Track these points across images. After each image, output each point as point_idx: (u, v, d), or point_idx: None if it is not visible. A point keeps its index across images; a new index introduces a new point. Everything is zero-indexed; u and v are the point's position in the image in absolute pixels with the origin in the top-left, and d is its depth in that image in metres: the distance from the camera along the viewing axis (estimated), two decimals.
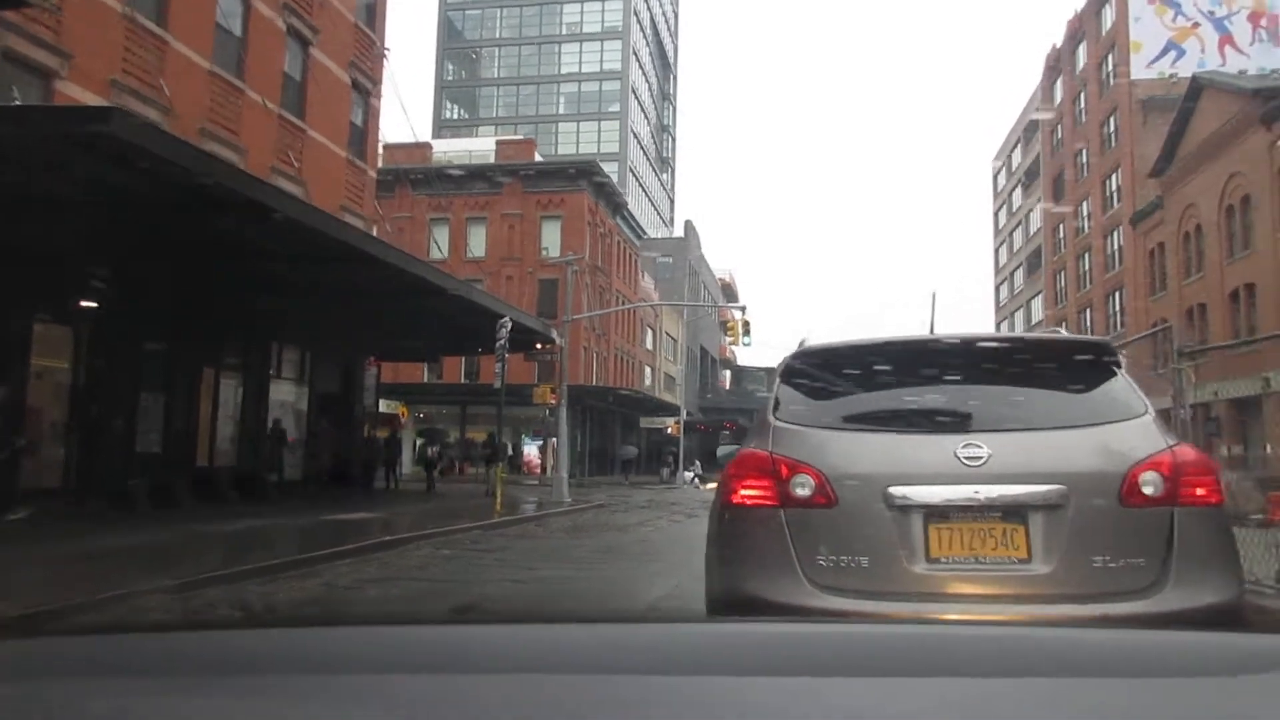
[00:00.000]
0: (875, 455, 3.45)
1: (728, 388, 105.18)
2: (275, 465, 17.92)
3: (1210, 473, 3.44)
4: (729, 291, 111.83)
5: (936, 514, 3.28)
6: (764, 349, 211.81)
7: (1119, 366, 3.73)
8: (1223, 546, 3.42)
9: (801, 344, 4.17)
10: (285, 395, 19.87)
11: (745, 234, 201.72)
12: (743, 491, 3.53)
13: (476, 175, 45.14)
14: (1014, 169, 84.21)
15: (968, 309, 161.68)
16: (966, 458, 3.28)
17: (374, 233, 22.08)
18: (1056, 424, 3.47)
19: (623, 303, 54.06)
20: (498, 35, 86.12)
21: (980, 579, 3.27)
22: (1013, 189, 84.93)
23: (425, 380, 45.86)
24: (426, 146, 47.88)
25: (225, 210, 11.00)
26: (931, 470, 3.32)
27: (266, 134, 18.72)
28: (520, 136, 55.99)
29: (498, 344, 17.26)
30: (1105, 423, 3.47)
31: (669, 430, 45.15)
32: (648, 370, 63.98)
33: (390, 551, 11.00)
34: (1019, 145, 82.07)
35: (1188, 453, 3.44)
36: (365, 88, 22.61)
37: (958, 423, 3.46)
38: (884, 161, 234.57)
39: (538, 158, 47.86)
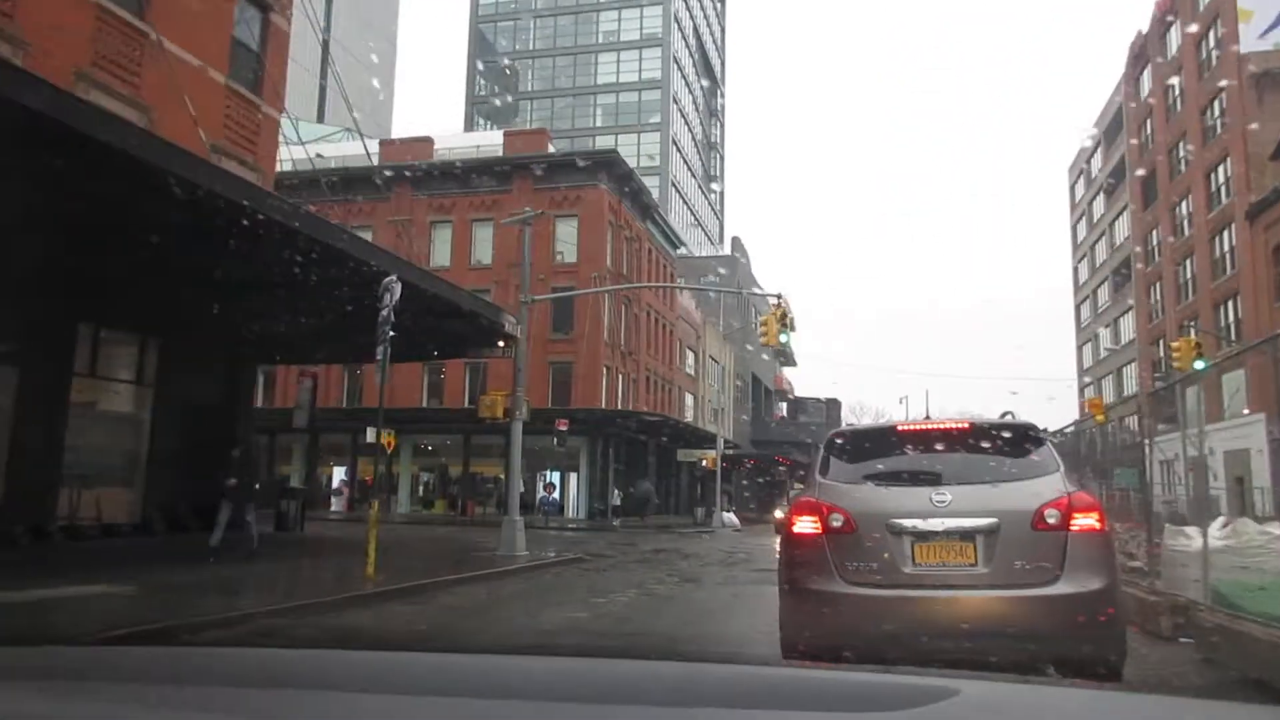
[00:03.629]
0: (881, 500, 5.51)
1: (783, 419, 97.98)
2: (56, 502, 12.02)
3: (1094, 509, 5.33)
4: (783, 319, 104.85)
5: (919, 536, 5.26)
6: (823, 380, 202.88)
7: (1044, 439, 5.85)
8: (1100, 556, 5.29)
9: (841, 428, 6.91)
10: (108, 400, 14.07)
11: (802, 258, 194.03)
12: (799, 524, 5.56)
13: (483, 171, 39.59)
14: (1094, 176, 76.32)
15: (1043, 334, 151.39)
16: (936, 501, 5.30)
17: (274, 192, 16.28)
18: (995, 479, 5.52)
19: (657, 322, 47.89)
20: (531, 47, 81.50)
21: (945, 576, 5.19)
22: (1093, 198, 76.97)
23: (424, 405, 40.06)
24: (428, 141, 42.57)
25: None
26: (915, 509, 5.30)
27: (74, 29, 13.09)
28: (532, 128, 50.51)
29: (380, 315, 11.16)
30: (1028, 478, 5.47)
31: (704, 464, 38.58)
32: (689, 398, 57.46)
33: None
34: (1099, 150, 74.28)
35: (1081, 497, 5.38)
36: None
37: (932, 479, 5.49)
38: (948, 183, 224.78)
39: (551, 150, 42.14)
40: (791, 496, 27.57)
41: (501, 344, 17.59)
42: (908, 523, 5.21)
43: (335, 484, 41.19)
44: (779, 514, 30.23)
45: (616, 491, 37.46)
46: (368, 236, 41.51)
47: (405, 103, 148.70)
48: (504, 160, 39.09)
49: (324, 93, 76.61)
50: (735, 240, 74.34)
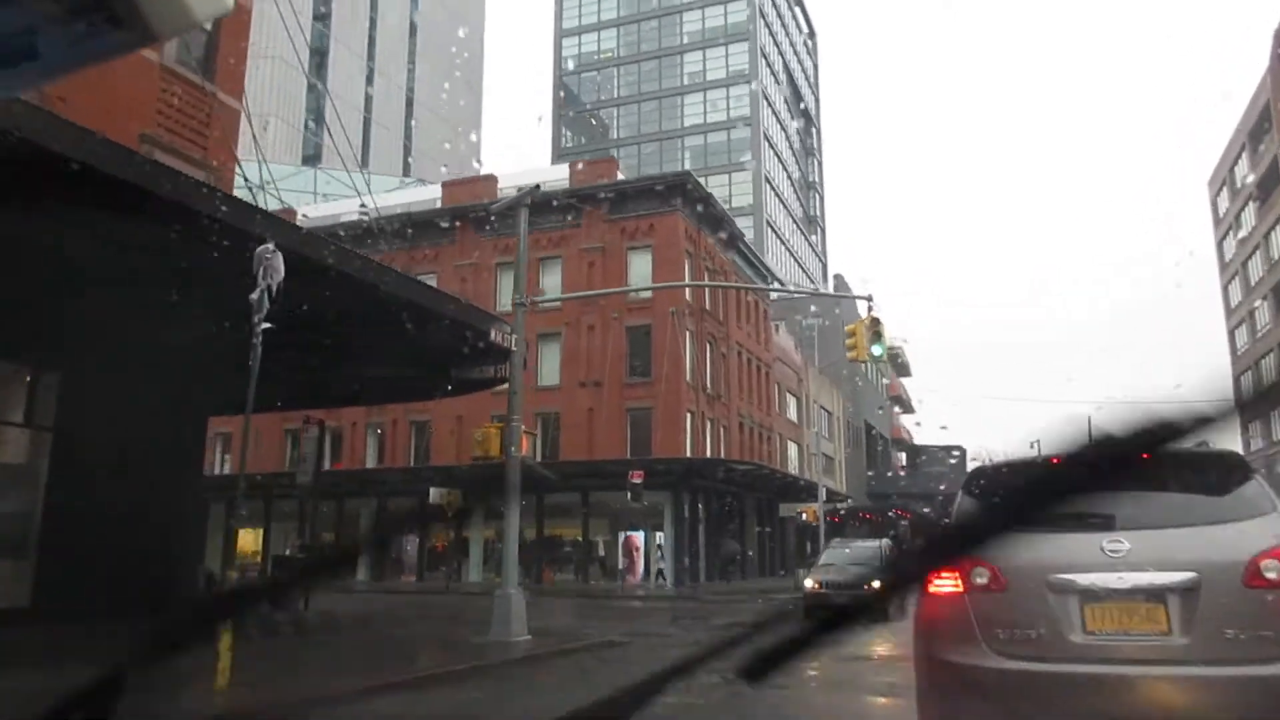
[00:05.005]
0: (1037, 550, 4.16)
1: (903, 470, 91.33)
2: None
3: None
4: (898, 363, 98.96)
5: (1089, 595, 4.10)
6: (947, 424, 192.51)
7: (1252, 471, 4.61)
8: None
9: (982, 465, 5.85)
10: None
11: (915, 297, 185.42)
12: (936, 582, 4.39)
13: (549, 206, 36.64)
14: (1240, 185, 68.67)
15: (1193, 367, 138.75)
16: (1110, 551, 4.11)
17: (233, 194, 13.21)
18: (1189, 521, 4.28)
19: (750, 363, 43.67)
20: (616, 94, 79.77)
21: (1128, 647, 4.02)
22: (1240, 210, 69.19)
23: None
24: (491, 180, 40.10)
25: None
26: (1083, 561, 4.14)
27: None
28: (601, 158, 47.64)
29: (252, 297, 7.64)
30: (1233, 520, 4.27)
31: (804, 517, 33.88)
32: (793, 447, 52.60)
33: None
34: (1243, 154, 66.83)
35: None
36: None
37: (1103, 523, 4.18)
38: (1072, 205, 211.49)
39: (620, 178, 38.95)
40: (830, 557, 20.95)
41: (493, 369, 13.79)
42: (1074, 578, 4.13)
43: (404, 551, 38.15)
44: (809, 583, 17.95)
45: (660, 551, 33.23)
46: (432, 282, 39.14)
47: (492, 160, 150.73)
48: (570, 193, 36.10)
49: (407, 150, 76.57)
50: (838, 279, 69.66)
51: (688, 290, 35.72)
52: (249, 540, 40.82)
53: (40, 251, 9.63)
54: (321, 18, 75.55)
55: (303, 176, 49.35)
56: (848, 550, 19.38)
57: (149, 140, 12.92)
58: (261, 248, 7.83)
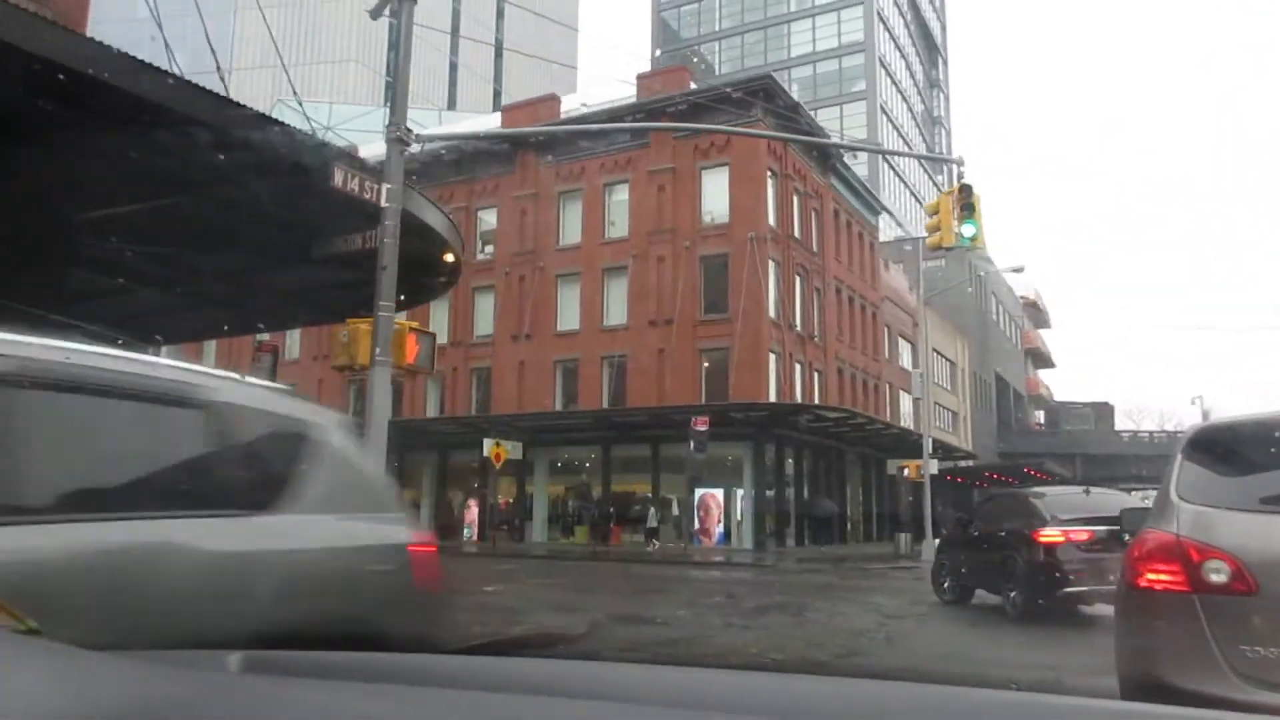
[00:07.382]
0: None
1: (1039, 427, 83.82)
2: None
3: None
4: (1035, 314, 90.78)
5: None
6: (1087, 384, 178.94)
7: None
8: None
9: (1217, 422, 4.16)
10: None
11: (1059, 248, 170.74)
12: (1149, 575, 3.39)
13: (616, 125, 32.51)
14: None
15: None
16: None
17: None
18: None
19: (852, 302, 38.66)
20: (718, 27, 74.48)
21: None
22: None
23: (557, 408, 33.27)
24: (553, 100, 36.23)
25: None
26: None
27: None
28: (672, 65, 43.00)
29: None
30: None
31: (905, 474, 29.02)
32: (906, 399, 47.13)
33: None
34: None
35: None
36: None
37: None
38: (1226, 135, 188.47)
39: (693, 88, 34.31)
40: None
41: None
42: None
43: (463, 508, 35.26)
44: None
45: (654, 511, 29.30)
46: (491, 216, 35.73)
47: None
48: (636, 107, 31.84)
49: (497, 95, 73.78)
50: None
51: (771, 212, 31.02)
52: None
53: None
54: None
55: (373, 116, 46.91)
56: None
57: None
58: None
